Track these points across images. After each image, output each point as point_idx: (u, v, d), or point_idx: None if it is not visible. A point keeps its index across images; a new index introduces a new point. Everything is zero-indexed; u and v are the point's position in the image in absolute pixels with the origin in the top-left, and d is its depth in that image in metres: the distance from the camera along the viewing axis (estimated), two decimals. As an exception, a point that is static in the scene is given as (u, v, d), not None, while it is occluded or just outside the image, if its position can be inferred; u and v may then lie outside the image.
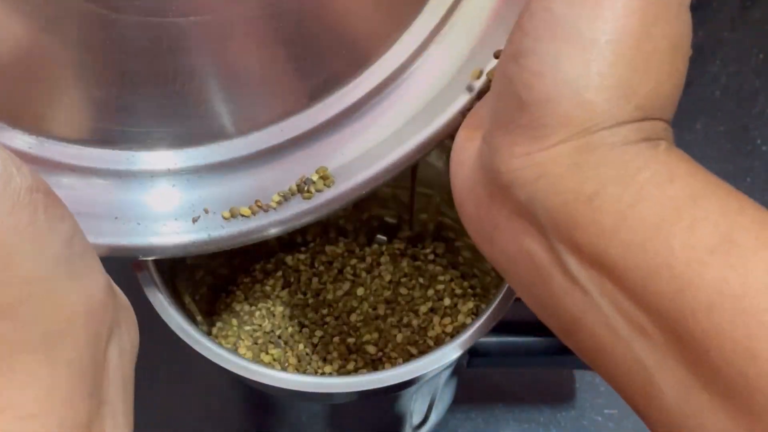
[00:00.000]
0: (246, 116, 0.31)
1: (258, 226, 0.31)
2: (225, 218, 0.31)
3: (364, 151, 0.32)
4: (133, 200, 0.31)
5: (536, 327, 0.43)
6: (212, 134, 0.31)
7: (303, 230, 0.47)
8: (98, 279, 0.24)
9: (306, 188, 0.31)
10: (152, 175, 0.31)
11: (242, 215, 0.31)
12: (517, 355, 0.44)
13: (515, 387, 0.48)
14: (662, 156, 0.24)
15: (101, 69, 0.29)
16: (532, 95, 0.25)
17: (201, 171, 0.32)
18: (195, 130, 0.31)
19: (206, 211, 0.31)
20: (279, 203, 0.31)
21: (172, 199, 0.31)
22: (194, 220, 0.31)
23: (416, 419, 0.42)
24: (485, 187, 0.27)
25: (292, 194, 0.31)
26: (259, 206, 0.31)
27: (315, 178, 0.31)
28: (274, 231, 0.32)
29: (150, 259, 0.33)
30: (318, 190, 0.31)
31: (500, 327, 0.43)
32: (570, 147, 0.24)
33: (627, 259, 0.23)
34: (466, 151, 0.28)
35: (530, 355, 0.44)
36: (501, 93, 0.26)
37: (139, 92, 0.29)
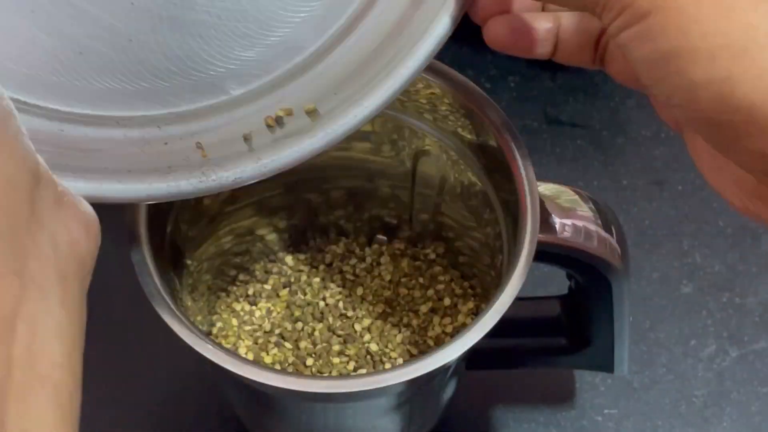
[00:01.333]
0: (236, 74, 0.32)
1: (253, 169, 0.31)
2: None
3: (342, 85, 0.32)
4: (128, 149, 0.32)
5: (536, 327, 0.44)
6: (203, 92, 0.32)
7: (303, 230, 0.47)
8: (17, 158, 0.24)
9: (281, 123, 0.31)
10: (143, 121, 0.32)
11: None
12: (517, 355, 0.44)
13: (515, 387, 0.48)
14: None
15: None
16: None
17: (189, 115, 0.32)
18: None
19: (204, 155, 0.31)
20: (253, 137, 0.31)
21: (167, 147, 0.32)
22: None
23: (415, 420, 0.42)
24: None
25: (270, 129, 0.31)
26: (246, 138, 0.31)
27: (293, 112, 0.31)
28: (267, 169, 0.32)
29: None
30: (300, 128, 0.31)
31: (500, 327, 0.43)
32: None
33: None
34: None
35: (530, 355, 0.44)
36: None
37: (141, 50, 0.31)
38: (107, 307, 0.49)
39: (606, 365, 0.43)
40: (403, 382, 0.33)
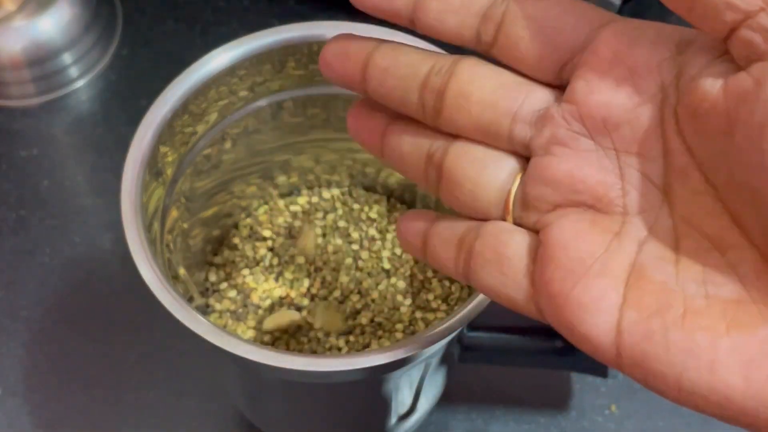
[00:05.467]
0: None
1: None
2: None
3: None
4: None
5: (531, 327, 0.43)
6: None
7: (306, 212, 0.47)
8: None
9: None
10: None
11: None
12: (511, 353, 0.44)
13: (516, 388, 0.48)
14: None
15: None
16: None
17: None
18: None
19: None
20: None
21: None
22: None
23: (401, 409, 0.41)
24: None
25: None
26: None
27: None
28: None
29: None
30: None
31: (496, 324, 0.43)
32: None
33: None
34: None
35: (524, 354, 0.43)
36: None
37: None
38: (106, 307, 0.50)
39: (599, 369, 0.43)
40: (397, 361, 0.32)
